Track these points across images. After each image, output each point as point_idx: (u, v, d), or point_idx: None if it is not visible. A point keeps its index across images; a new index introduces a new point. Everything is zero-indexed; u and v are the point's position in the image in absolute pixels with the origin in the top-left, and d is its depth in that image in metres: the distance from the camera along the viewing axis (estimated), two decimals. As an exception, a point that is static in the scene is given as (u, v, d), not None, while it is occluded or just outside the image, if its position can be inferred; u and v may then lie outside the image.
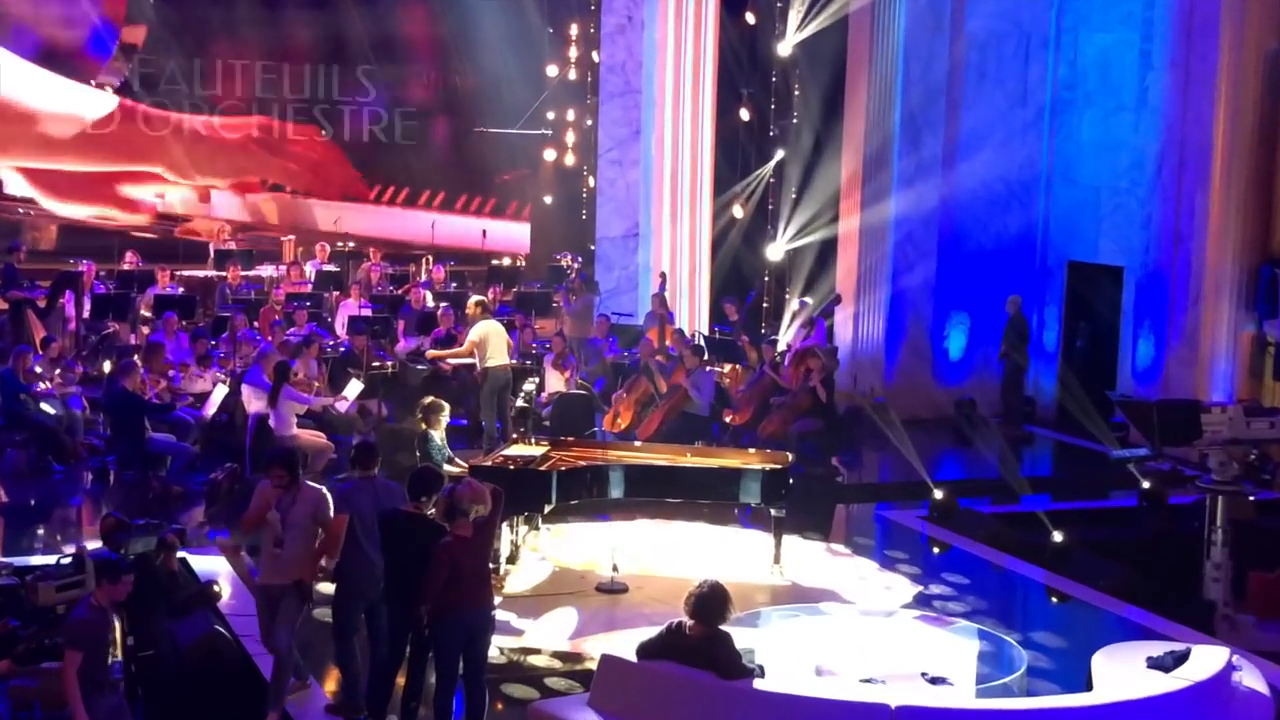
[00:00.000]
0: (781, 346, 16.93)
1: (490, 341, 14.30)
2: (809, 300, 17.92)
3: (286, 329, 16.26)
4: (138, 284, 18.25)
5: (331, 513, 8.20)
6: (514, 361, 15.10)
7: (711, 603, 7.10)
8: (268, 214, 23.66)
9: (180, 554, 9.23)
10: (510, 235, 24.06)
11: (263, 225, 23.32)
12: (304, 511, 8.14)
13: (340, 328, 17.65)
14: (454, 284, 20.72)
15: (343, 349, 16.15)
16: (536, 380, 14.62)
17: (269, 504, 8.12)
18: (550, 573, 11.32)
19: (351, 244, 21.92)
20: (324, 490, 8.29)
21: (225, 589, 9.62)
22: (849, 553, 12.29)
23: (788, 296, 19.38)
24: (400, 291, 19.47)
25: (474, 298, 15.35)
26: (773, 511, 11.29)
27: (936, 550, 12.69)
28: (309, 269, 20.17)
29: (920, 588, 11.23)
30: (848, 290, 17.83)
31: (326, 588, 8.78)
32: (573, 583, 11.06)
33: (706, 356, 15.75)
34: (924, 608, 10.54)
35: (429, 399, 11.65)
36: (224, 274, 19.11)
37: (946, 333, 17.99)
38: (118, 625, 7.10)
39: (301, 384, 13.72)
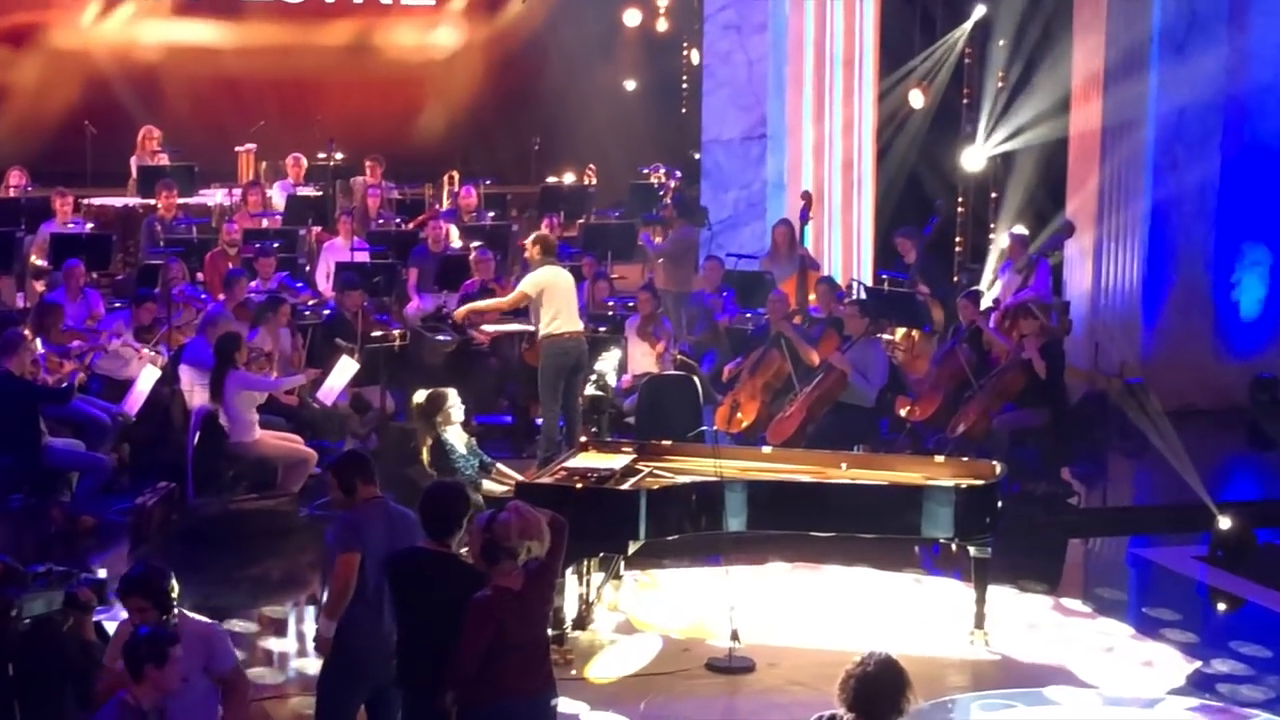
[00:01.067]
0: (986, 302, 16.88)
1: (554, 295, 14.10)
2: (1024, 231, 17.84)
3: (246, 283, 16.45)
4: (27, 218, 18.52)
5: (228, 659, 7.96)
6: (585, 328, 15.13)
7: (879, 687, 7.11)
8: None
9: (97, 617, 9.38)
10: (574, 139, 24.15)
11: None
12: (192, 663, 7.71)
13: (324, 280, 17.82)
14: (491, 214, 20.81)
15: (328, 312, 16.33)
16: (616, 356, 14.70)
17: None
18: (638, 643, 11.40)
19: (340, 155, 22.02)
20: (215, 626, 8.05)
21: (161, 667, 9.78)
22: (1089, 611, 12.27)
23: (993, 227, 19.27)
24: (412, 225, 19.61)
25: (537, 232, 15.36)
26: (973, 550, 11.29)
27: (1222, 608, 12.65)
28: (277, 193, 20.37)
29: (1198, 663, 11.17)
30: (1084, 215, 17.73)
31: (312, 664, 8.89)
32: (673, 657, 11.13)
33: (872, 320, 15.72)
34: (1204, 694, 10.52)
35: (423, 394, 11.72)
36: (152, 202, 19.33)
37: (1235, 277, 17.86)
38: None
39: (262, 364, 13.88)
